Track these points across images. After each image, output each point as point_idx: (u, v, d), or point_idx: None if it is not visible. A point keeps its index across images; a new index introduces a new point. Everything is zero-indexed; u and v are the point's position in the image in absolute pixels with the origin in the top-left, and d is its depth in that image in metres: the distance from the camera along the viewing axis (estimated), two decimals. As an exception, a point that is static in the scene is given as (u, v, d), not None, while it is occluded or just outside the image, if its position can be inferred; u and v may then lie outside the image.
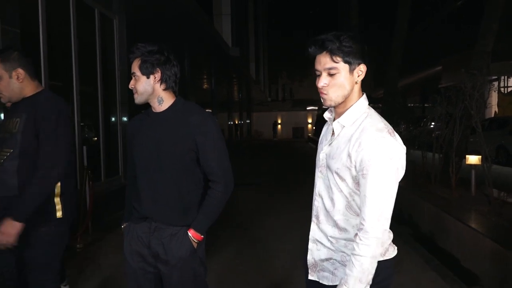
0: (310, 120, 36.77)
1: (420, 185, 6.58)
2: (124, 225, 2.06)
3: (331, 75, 1.51)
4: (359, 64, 1.52)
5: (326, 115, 1.68)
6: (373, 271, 1.47)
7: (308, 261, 1.70)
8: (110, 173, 6.69)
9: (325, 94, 1.54)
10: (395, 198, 1.53)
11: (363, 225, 1.46)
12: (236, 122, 25.59)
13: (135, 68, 1.88)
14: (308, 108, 36.72)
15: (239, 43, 20.28)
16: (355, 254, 1.46)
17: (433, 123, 8.96)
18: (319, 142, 1.75)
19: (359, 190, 1.51)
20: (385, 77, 12.60)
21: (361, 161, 1.46)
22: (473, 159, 5.67)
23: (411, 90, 26.06)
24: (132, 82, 1.91)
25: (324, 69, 1.52)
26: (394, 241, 1.59)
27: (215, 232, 5.35)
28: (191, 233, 1.89)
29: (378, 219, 1.44)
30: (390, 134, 1.50)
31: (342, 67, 1.50)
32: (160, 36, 9.54)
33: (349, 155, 1.50)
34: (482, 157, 5.53)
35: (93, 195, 5.02)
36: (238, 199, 7.40)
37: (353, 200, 1.54)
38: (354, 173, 1.51)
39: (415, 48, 21.88)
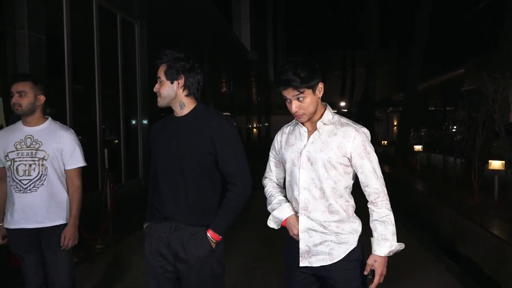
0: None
1: (441, 190, 6.47)
2: (146, 224, 2.12)
3: (299, 100, 1.84)
4: (317, 83, 1.84)
5: (294, 122, 2.01)
6: None
7: (300, 250, 1.93)
8: (131, 175, 6.81)
9: (300, 115, 1.88)
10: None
11: (378, 193, 1.85)
12: (255, 125, 25.64)
13: (161, 73, 1.95)
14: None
15: (257, 46, 20.36)
16: (384, 215, 1.84)
17: (455, 127, 8.80)
18: (283, 147, 2.02)
19: (347, 175, 1.90)
20: (405, 81, 12.45)
21: (356, 148, 1.85)
22: (496, 164, 5.54)
23: (432, 93, 25.62)
24: (157, 86, 1.98)
25: (293, 97, 1.83)
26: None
27: (234, 235, 5.38)
28: (209, 233, 1.94)
29: (384, 185, 1.88)
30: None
31: (307, 92, 1.83)
32: (180, 40, 9.67)
33: (340, 146, 1.86)
34: (505, 162, 5.41)
35: (113, 197, 5.12)
36: (257, 202, 7.41)
37: (340, 184, 1.89)
38: (346, 161, 1.87)
39: (436, 50, 21.55)
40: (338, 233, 1.89)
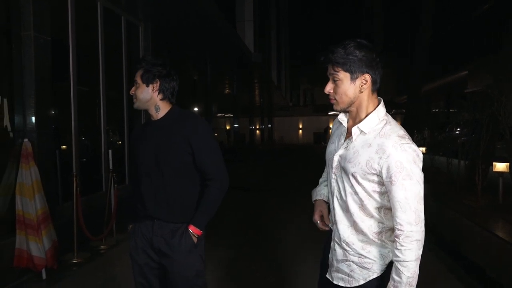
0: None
1: (445, 192, 6.45)
2: (130, 226, 2.19)
3: (335, 81, 1.59)
4: (362, 73, 1.56)
5: (341, 117, 1.72)
6: (418, 272, 1.51)
7: (328, 259, 1.75)
8: (134, 176, 6.82)
9: (333, 99, 1.63)
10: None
11: (401, 230, 1.49)
12: (258, 127, 25.61)
13: (138, 77, 2.07)
14: (329, 113, 36.54)
15: (261, 48, 20.37)
16: (401, 261, 1.49)
17: (458, 129, 8.78)
18: (329, 142, 1.80)
19: (378, 194, 1.57)
20: (409, 83, 12.44)
21: (388, 168, 1.49)
22: (500, 166, 5.52)
23: (435, 95, 25.57)
24: (133, 89, 2.10)
25: (329, 75, 1.61)
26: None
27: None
28: (191, 228, 2.02)
29: (415, 222, 1.49)
30: (410, 139, 1.54)
31: (342, 75, 1.56)
32: (183, 42, 9.70)
33: (370, 161, 1.53)
34: (510, 164, 5.39)
35: (117, 198, 5.13)
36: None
37: (368, 203, 1.58)
38: (375, 178, 1.54)
39: (440, 52, 21.51)
40: (362, 255, 1.62)
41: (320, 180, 1.97)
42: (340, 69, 1.56)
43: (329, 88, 1.62)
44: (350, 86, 1.57)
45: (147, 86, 2.05)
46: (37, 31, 4.20)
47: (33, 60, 4.16)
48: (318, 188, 1.92)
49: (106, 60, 5.90)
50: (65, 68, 5.04)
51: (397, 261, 1.50)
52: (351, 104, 1.61)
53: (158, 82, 2.05)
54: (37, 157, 3.99)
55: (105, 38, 5.87)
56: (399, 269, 1.49)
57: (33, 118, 4.16)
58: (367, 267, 1.61)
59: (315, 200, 1.91)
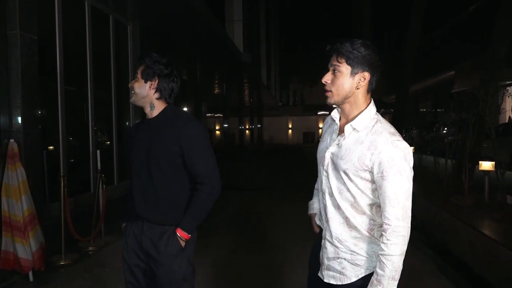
0: (321, 125, 36.67)
1: (433, 191, 6.53)
2: (123, 224, 2.17)
3: (334, 73, 1.62)
4: (363, 70, 1.59)
5: (334, 114, 1.74)
6: (401, 267, 1.53)
7: (320, 257, 1.75)
8: (123, 177, 6.77)
9: (328, 91, 1.64)
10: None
11: (389, 225, 1.51)
12: (247, 127, 25.61)
13: (139, 71, 2.06)
14: (319, 113, 36.69)
15: (250, 48, 20.38)
16: (386, 254, 1.51)
17: (445, 129, 8.89)
18: (320, 140, 1.82)
19: (370, 191, 1.59)
20: (397, 83, 12.55)
21: (379, 164, 1.52)
22: (486, 165, 5.61)
23: (423, 95, 25.85)
24: (132, 82, 2.08)
25: (330, 66, 1.63)
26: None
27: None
28: (178, 232, 1.97)
29: (403, 218, 1.52)
30: (401, 137, 1.58)
31: (344, 68, 1.59)
32: (173, 42, 9.65)
33: (362, 158, 1.55)
34: (495, 163, 5.48)
35: (106, 198, 5.09)
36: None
37: (360, 199, 1.60)
38: (367, 175, 1.56)
39: (428, 52, 21.74)
40: (354, 252, 1.62)
41: (314, 191, 1.98)
42: (343, 61, 1.59)
43: (327, 78, 1.64)
44: (349, 80, 1.60)
45: (145, 82, 2.02)
46: (24, 29, 4.14)
47: (19, 59, 4.10)
48: (312, 201, 1.96)
49: (94, 60, 5.84)
50: (52, 68, 4.98)
51: (382, 254, 1.51)
52: (346, 98, 1.63)
53: (157, 81, 2.01)
54: (24, 157, 3.94)
55: (93, 37, 5.82)
56: (383, 262, 1.51)
57: (20, 118, 4.10)
58: (359, 264, 1.62)
59: (310, 214, 1.94)
